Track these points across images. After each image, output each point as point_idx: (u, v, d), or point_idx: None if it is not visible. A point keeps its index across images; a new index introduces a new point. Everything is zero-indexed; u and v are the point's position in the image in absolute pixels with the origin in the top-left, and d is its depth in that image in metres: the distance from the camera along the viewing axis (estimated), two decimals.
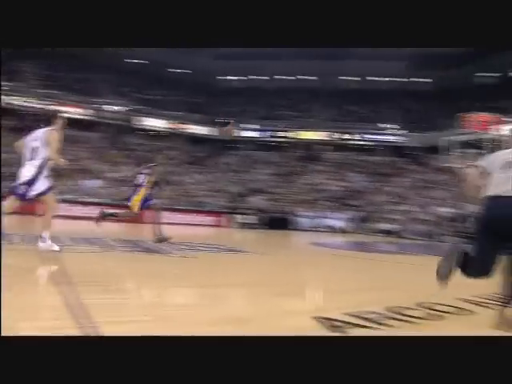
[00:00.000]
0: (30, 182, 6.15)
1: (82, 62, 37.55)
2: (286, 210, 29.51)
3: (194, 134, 40.64)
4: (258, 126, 41.89)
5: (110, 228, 16.00)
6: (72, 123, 33.32)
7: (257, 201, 30.10)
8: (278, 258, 9.93)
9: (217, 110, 42.95)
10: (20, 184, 6.15)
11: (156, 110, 39.75)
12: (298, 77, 46.01)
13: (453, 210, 24.40)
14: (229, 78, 47.86)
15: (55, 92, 34.90)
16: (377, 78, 45.18)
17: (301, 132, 41.22)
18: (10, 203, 6.13)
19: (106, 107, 37.80)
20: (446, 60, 37.28)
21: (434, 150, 34.88)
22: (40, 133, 6.35)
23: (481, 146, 23.56)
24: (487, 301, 5.09)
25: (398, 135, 40.04)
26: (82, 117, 35.00)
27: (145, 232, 11.92)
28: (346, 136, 40.99)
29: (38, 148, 6.26)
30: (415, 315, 4.06)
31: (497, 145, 25.63)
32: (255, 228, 25.72)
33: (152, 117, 39.39)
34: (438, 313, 4.28)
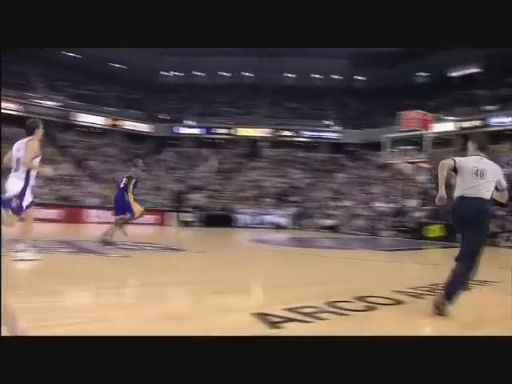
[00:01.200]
0: (21, 195, 6.21)
1: (15, 55, 35.91)
2: (227, 208, 29.57)
3: (132, 130, 39.91)
4: (197, 123, 41.63)
5: (44, 229, 15.48)
6: (4, 119, 31.85)
7: (197, 198, 29.96)
8: (218, 256, 9.96)
9: (156, 107, 42.35)
10: (12, 197, 6.17)
11: (93, 105, 38.66)
12: (238, 73, 46.10)
13: (391, 205, 25.23)
14: (168, 74, 47.28)
15: None
16: (318, 76, 45.95)
17: (241, 129, 41.35)
18: (9, 219, 6.09)
19: (40, 102, 36.33)
20: (385, 59, 38.44)
21: (373, 146, 35.85)
22: (22, 143, 6.41)
23: (419, 143, 24.43)
24: (420, 292, 5.34)
25: (338, 132, 40.88)
26: (14, 112, 33.45)
27: (81, 232, 11.63)
28: (287, 133, 41.49)
29: (20, 158, 6.31)
30: (352, 308, 4.21)
31: (434, 142, 26.73)
32: (195, 226, 25.60)
33: (89, 113, 38.25)
34: (373, 305, 4.44)
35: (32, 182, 6.35)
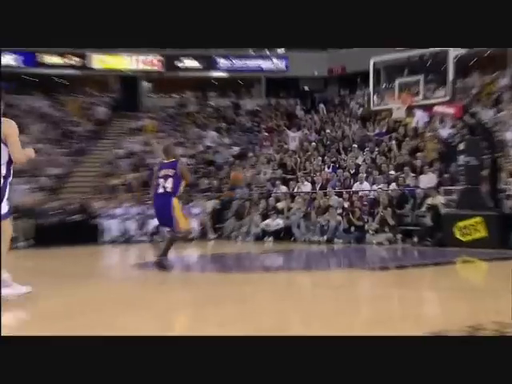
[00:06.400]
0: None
1: None
2: (81, 208, 28.94)
3: None
4: (10, 48, 40.36)
5: None
6: None
7: (19, 194, 29.26)
8: (66, 300, 9.77)
9: None
10: None
11: None
12: None
13: (388, 188, 25.07)
14: None
15: None
16: None
17: (100, 56, 40.55)
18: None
19: None
20: None
21: (349, 81, 36.27)
22: None
23: (438, 70, 23.97)
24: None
25: (285, 57, 41.08)
26: None
27: None
28: (190, 62, 41.13)
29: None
30: None
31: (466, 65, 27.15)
32: (23, 247, 24.95)
33: None
34: None
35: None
